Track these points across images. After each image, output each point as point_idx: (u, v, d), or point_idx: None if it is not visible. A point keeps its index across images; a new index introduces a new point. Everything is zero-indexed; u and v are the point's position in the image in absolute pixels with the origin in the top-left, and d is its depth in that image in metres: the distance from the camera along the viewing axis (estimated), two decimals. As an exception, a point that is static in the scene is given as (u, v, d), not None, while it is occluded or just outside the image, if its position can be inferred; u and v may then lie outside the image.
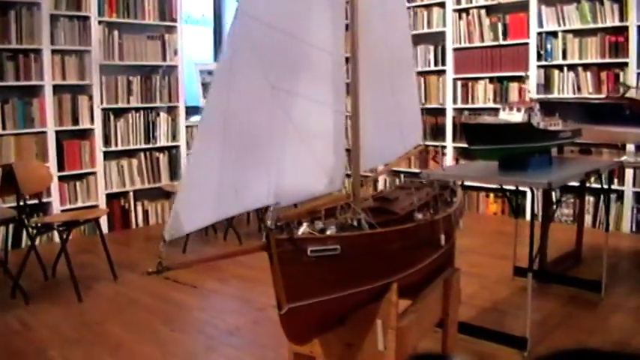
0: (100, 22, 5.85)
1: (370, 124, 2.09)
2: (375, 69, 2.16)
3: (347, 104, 1.97)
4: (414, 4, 6.86)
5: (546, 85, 5.89)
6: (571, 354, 1.11)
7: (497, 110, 3.54)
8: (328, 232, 1.82)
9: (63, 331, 3.52)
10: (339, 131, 1.85)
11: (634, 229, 5.50)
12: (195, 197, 1.53)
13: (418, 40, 6.93)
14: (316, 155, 1.75)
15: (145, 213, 6.35)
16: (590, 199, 5.67)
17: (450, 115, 6.68)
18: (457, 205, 2.43)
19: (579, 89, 5.73)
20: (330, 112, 1.78)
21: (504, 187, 3.96)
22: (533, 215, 3.01)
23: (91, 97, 5.85)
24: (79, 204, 5.78)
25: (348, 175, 2.02)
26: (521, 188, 3.92)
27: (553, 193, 5.48)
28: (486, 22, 6.33)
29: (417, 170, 6.40)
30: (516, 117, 3.33)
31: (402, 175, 6.86)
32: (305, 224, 1.86)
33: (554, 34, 5.83)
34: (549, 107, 3.93)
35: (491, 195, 6.44)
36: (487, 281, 4.25)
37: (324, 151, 1.79)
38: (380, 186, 7.24)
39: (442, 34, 6.68)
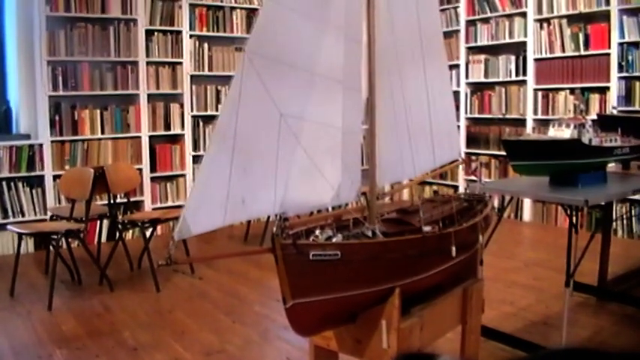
0: (191, 36, 6.37)
1: (389, 140, 2.29)
2: (395, 82, 2.35)
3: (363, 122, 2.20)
4: (495, 14, 6.89)
5: (627, 97, 5.75)
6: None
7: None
8: (334, 240, 2.05)
9: (138, 315, 3.95)
10: (349, 150, 2.08)
11: None
12: (204, 204, 1.82)
13: (499, 50, 6.95)
14: (323, 172, 1.98)
15: (229, 213, 6.77)
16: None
17: (530, 126, 6.64)
18: (478, 219, 2.56)
19: (662, 102, 5.56)
20: (338, 133, 2.02)
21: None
22: (571, 229, 3.05)
23: (182, 105, 6.37)
24: (169, 203, 6.31)
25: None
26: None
27: (616, 208, 5.36)
28: (567, 31, 6.25)
29: (453, 183, 6.55)
30: (565, 133, 3.38)
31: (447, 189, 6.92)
32: (317, 231, 2.11)
33: (635, 44, 5.67)
34: (611, 122, 3.90)
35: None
36: (544, 295, 4.27)
37: (332, 168, 2.02)
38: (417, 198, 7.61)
39: (523, 44, 6.66)
